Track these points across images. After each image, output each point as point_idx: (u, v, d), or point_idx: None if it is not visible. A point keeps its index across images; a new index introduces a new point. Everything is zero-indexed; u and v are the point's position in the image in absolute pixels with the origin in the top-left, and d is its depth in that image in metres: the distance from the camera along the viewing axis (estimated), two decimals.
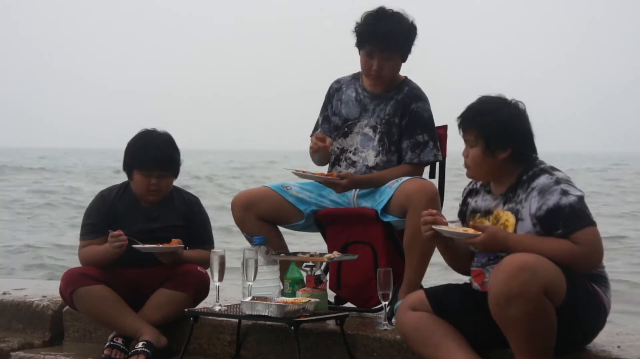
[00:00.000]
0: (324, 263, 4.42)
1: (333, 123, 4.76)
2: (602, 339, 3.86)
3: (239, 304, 4.14)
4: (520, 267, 3.38)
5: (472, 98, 3.78)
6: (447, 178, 4.77)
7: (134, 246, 4.43)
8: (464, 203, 3.90)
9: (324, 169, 4.79)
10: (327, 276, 4.55)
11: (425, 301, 3.77)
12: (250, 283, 4.12)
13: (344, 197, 4.66)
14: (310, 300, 4.03)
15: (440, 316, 3.72)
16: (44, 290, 5.43)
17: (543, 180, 3.61)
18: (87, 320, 4.79)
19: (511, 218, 3.65)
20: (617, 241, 14.29)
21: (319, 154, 4.64)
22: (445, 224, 3.67)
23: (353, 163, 4.68)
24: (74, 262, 5.10)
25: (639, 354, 3.79)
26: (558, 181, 3.59)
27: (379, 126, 4.65)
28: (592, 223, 3.54)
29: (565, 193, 3.55)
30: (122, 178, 4.79)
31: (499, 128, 3.66)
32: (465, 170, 3.81)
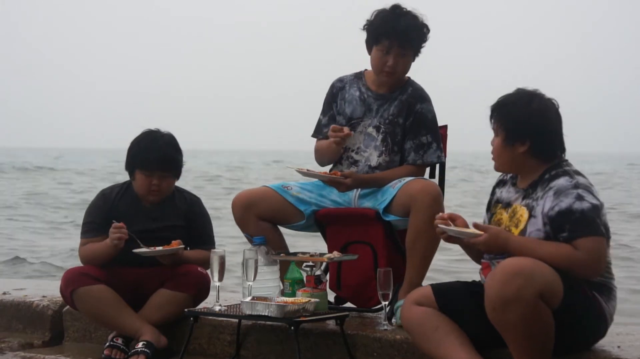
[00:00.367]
0: (324, 263, 4.42)
1: (337, 122, 4.75)
2: (602, 339, 3.86)
3: (239, 304, 4.14)
4: (515, 272, 3.40)
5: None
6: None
7: (135, 251, 4.43)
8: (492, 192, 3.94)
9: (326, 168, 4.79)
10: (327, 276, 4.54)
11: (430, 296, 3.78)
12: (250, 283, 4.12)
13: (344, 197, 4.65)
14: (310, 300, 4.03)
15: (445, 313, 3.74)
16: (44, 290, 5.42)
17: (562, 181, 3.61)
18: (87, 320, 4.79)
19: (525, 214, 3.67)
20: None
21: (331, 152, 4.63)
22: (465, 224, 3.71)
23: (355, 162, 4.68)
24: None
25: (639, 354, 3.80)
26: (577, 186, 3.59)
27: (382, 126, 4.65)
28: (600, 234, 3.53)
29: (580, 198, 3.55)
30: None
31: (518, 121, 3.68)
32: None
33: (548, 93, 3.77)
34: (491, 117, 3.78)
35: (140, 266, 4.56)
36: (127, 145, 4.68)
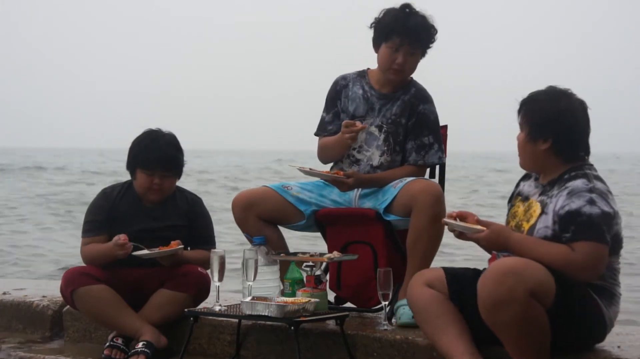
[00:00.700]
0: (324, 263, 4.42)
1: (341, 119, 4.74)
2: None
3: (239, 304, 4.14)
4: (505, 272, 3.41)
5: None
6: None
7: (134, 253, 4.43)
8: (517, 185, 3.95)
9: (327, 167, 4.79)
10: (327, 276, 4.54)
11: (443, 280, 3.79)
12: (250, 283, 4.12)
13: (345, 197, 4.65)
14: (310, 300, 4.03)
15: (454, 301, 3.75)
16: (44, 290, 5.43)
17: (579, 183, 3.61)
18: (87, 320, 4.79)
19: (538, 209, 3.68)
20: None
21: (340, 148, 4.61)
22: (476, 221, 3.71)
23: (357, 161, 4.68)
24: None
25: (639, 354, 3.79)
26: (592, 190, 3.58)
27: (384, 126, 4.64)
28: (602, 241, 3.52)
29: (592, 202, 3.54)
30: None
31: (543, 118, 3.68)
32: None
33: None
34: (519, 111, 3.78)
35: (140, 267, 4.56)
36: (127, 145, 4.68)
